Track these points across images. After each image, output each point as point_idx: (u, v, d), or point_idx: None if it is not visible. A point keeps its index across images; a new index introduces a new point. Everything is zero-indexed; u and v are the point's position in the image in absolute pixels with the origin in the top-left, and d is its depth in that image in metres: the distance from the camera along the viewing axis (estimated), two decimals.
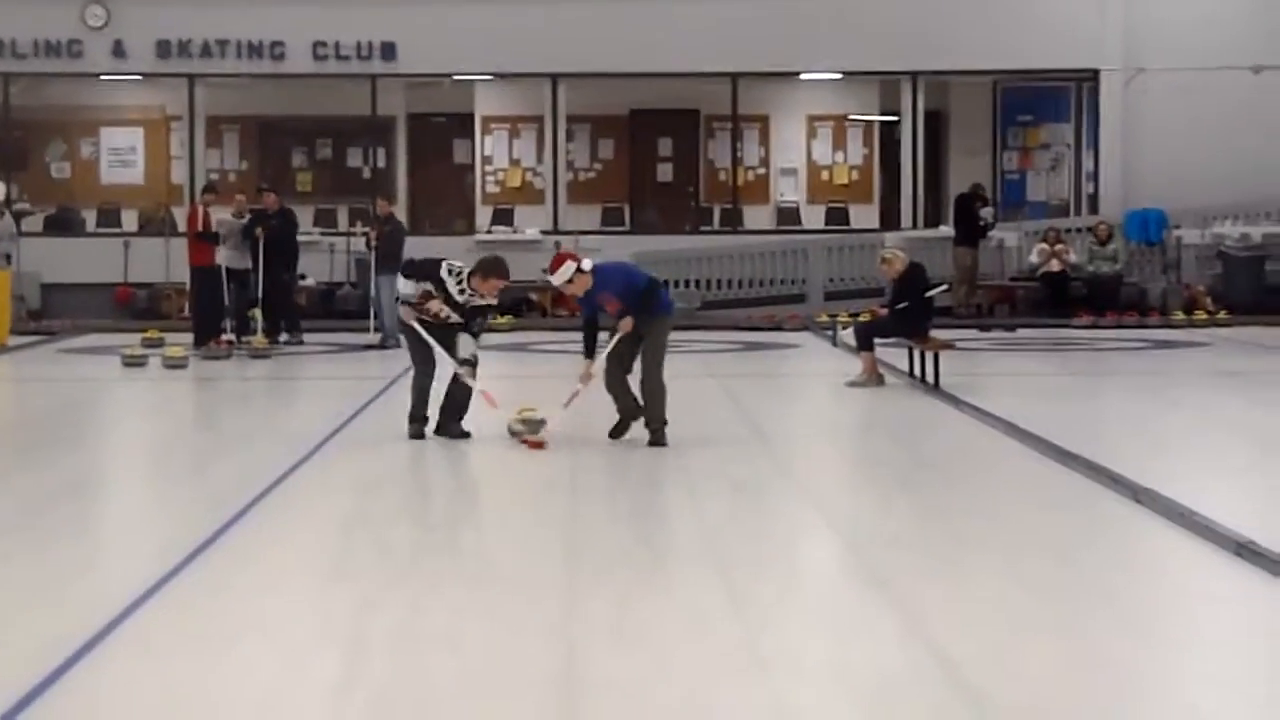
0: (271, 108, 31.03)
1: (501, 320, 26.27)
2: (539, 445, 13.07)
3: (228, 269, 23.03)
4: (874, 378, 17.88)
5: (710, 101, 30.95)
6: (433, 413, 13.89)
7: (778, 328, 26.85)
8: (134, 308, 28.39)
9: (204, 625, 7.81)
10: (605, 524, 10.48)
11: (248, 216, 23.65)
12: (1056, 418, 15.11)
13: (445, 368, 13.81)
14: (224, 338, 22.65)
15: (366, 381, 18.24)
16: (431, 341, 13.71)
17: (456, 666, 7.10)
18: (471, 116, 31.31)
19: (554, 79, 29.96)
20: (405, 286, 13.75)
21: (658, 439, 13.28)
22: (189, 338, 22.55)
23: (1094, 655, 7.34)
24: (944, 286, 21.11)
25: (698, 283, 28.78)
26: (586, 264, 13.49)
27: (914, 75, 30.01)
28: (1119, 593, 8.59)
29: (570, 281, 13.42)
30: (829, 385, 18.29)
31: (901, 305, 18.00)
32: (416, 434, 13.76)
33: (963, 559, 9.34)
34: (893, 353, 18.58)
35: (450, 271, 13.56)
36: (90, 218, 30.74)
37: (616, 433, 13.53)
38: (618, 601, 8.24)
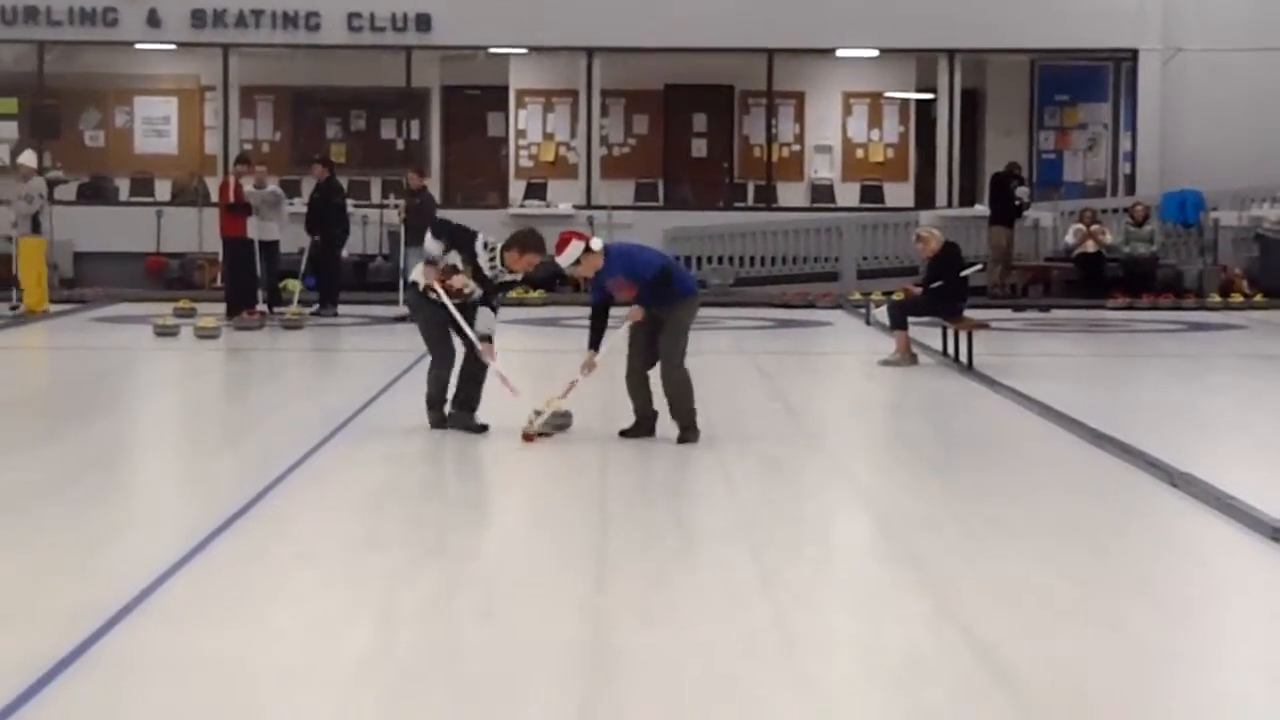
0: (306, 79, 31.03)
1: (534, 294, 26.25)
2: (531, 438, 12.14)
3: (260, 241, 23.03)
4: (907, 357, 17.81)
5: (745, 77, 30.86)
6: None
7: (811, 305, 26.79)
8: (166, 277, 28.44)
9: (235, 595, 7.80)
10: (636, 502, 10.44)
11: (269, 187, 23.63)
12: (1091, 400, 15.03)
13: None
14: (257, 308, 22.66)
15: (397, 354, 18.21)
16: (455, 314, 12.54)
17: (486, 639, 7.08)
18: (506, 89, 31.25)
19: (589, 53, 29.90)
20: (433, 246, 12.51)
21: (686, 435, 12.18)
22: (221, 308, 22.56)
23: (1127, 639, 7.29)
24: (979, 266, 21.02)
25: (731, 259, 28.72)
26: (596, 243, 12.36)
27: (950, 53, 29.89)
28: (1153, 576, 8.53)
29: (578, 263, 12.27)
30: (862, 364, 18.22)
31: (936, 284, 17.92)
32: (438, 421, 12.68)
33: (995, 541, 9.28)
34: (926, 332, 18.51)
35: (485, 245, 12.46)
36: (124, 187, 30.78)
37: (630, 433, 12.43)
38: (648, 578, 8.21)
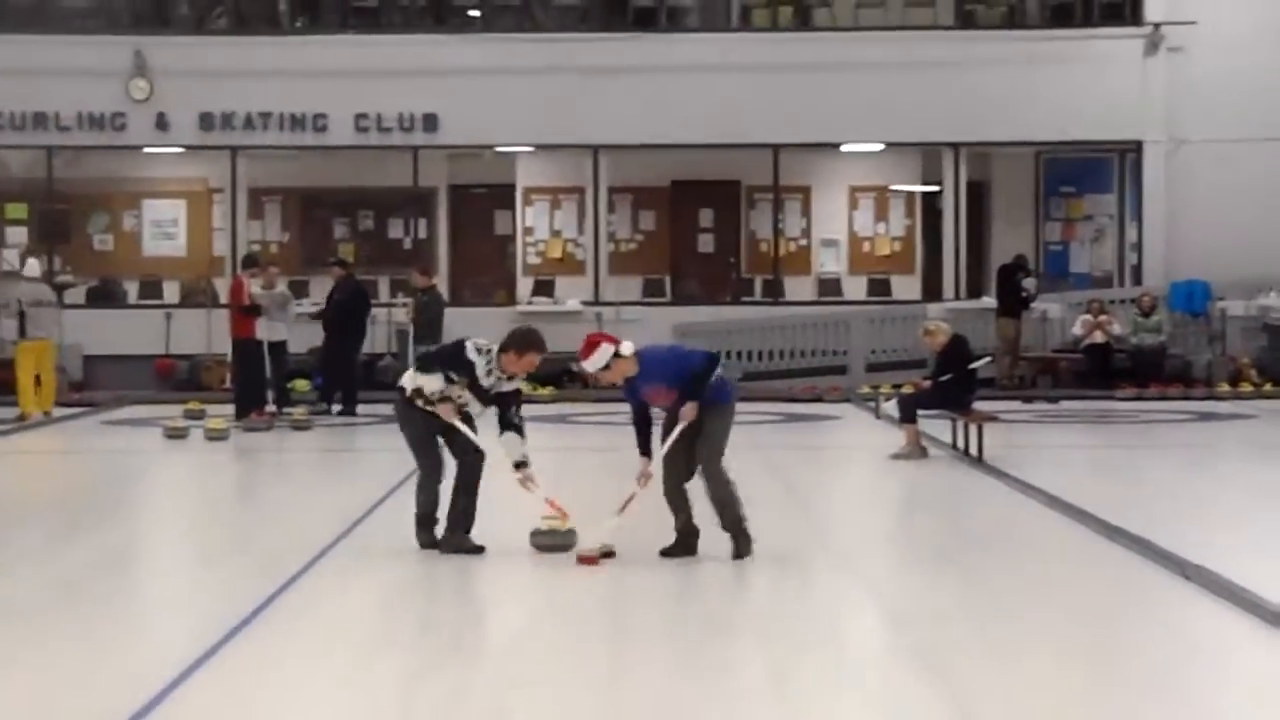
0: (313, 179, 31.15)
1: (542, 391, 26.26)
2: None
3: (268, 342, 23.08)
4: (917, 450, 17.80)
5: (751, 172, 30.96)
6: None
7: (819, 399, 26.79)
8: (175, 379, 28.47)
9: (247, 701, 7.77)
10: (646, 598, 10.39)
11: (278, 288, 23.73)
12: (1101, 491, 15.01)
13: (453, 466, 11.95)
14: (266, 409, 22.68)
15: (406, 454, 18.18)
16: (458, 422, 11.70)
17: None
18: (513, 187, 31.37)
19: (595, 150, 30.03)
20: (433, 383, 11.59)
21: (741, 548, 11.33)
22: (230, 409, 22.58)
23: None
24: (987, 358, 21.04)
25: (739, 354, 28.72)
26: (627, 347, 11.31)
27: (956, 146, 29.99)
28: (1167, 669, 8.50)
29: (607, 368, 11.27)
30: (872, 457, 18.20)
31: (945, 377, 17.93)
32: (428, 542, 11.72)
33: (1009, 635, 9.25)
34: (936, 425, 18.49)
35: (479, 350, 11.59)
36: (132, 289, 30.86)
37: (672, 552, 11.43)
38: (661, 677, 8.17)
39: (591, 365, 11.31)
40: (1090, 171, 31.32)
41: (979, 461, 17.13)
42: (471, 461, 11.78)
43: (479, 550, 11.64)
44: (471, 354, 11.53)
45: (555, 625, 9.60)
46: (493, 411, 11.77)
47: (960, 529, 13.77)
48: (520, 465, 11.65)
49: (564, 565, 11.30)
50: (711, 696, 7.77)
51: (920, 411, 18.00)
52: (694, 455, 11.35)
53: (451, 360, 11.59)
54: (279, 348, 23.38)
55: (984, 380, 20.66)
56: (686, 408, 11.19)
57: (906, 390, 19.99)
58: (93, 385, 28.16)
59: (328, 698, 7.88)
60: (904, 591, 10.76)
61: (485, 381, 11.55)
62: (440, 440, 11.81)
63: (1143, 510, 13.74)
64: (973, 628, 9.45)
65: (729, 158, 30.49)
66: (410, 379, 11.81)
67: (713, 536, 11.35)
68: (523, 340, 11.63)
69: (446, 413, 11.56)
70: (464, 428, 11.71)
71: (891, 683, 8.20)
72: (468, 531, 11.72)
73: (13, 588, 10.96)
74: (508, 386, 11.66)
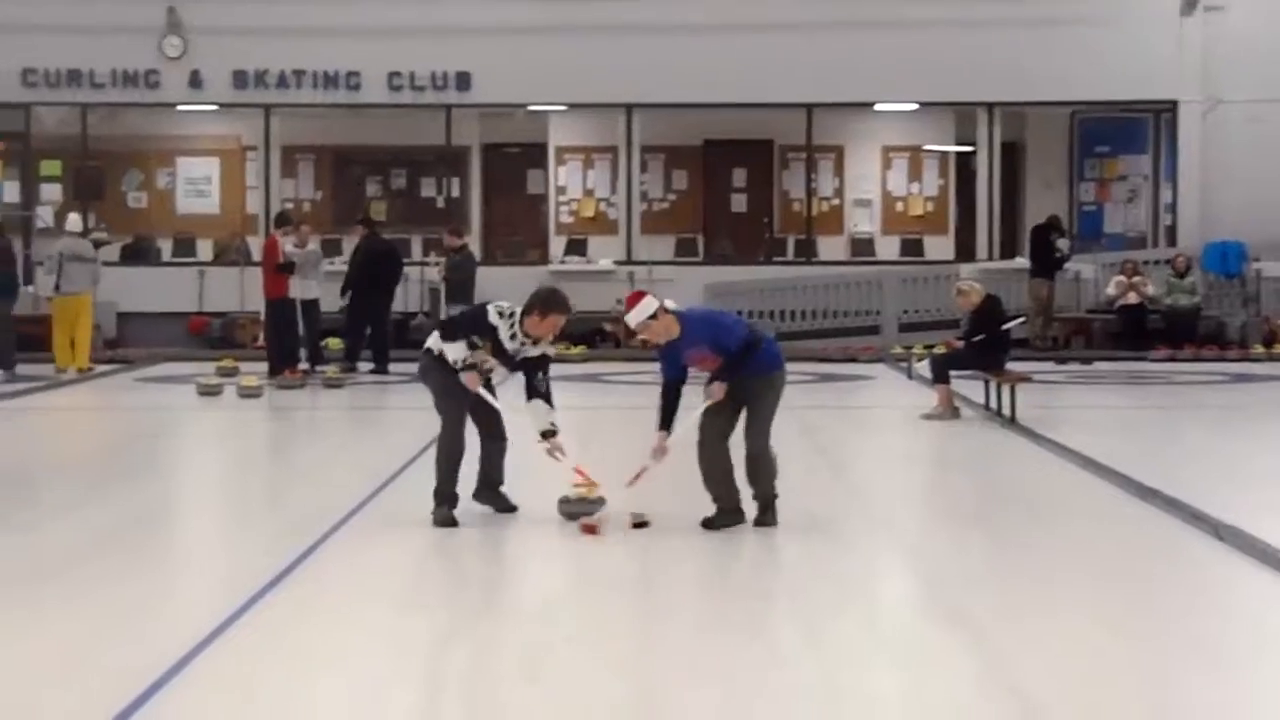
0: (346, 138, 31.16)
1: (574, 350, 26.27)
2: (592, 529, 10.81)
3: (300, 300, 23.13)
4: (949, 411, 17.77)
5: (785, 132, 30.90)
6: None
7: (852, 359, 26.76)
8: (208, 337, 28.54)
9: (280, 657, 7.80)
10: (679, 558, 10.39)
11: (311, 246, 23.78)
12: (1135, 452, 14.98)
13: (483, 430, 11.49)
14: (299, 367, 22.75)
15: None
16: (490, 399, 11.27)
17: (533, 699, 7.06)
18: (545, 147, 31.35)
19: (628, 109, 29.99)
20: (456, 351, 11.11)
21: (765, 518, 10.98)
22: (263, 367, 22.64)
23: (1170, 693, 7.26)
24: (1020, 319, 20.98)
25: (771, 314, 28.70)
26: (670, 303, 10.88)
27: (990, 106, 29.91)
28: (1200, 631, 8.48)
29: (652, 319, 10.74)
30: (904, 418, 18.18)
31: (978, 338, 17.90)
32: (445, 519, 11.17)
33: (1041, 596, 9.24)
34: (968, 385, 18.46)
35: (501, 314, 11.08)
36: (166, 247, 30.96)
37: (713, 524, 10.95)
38: (693, 636, 8.18)
39: (635, 317, 10.81)
40: (1125, 132, 31.19)
41: (1011, 422, 17.10)
42: (492, 448, 11.48)
43: (512, 509, 11.44)
44: (494, 317, 11.04)
45: (586, 588, 9.60)
46: (519, 378, 11.34)
47: (993, 490, 13.76)
48: (547, 434, 11.16)
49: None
50: (743, 657, 7.77)
51: (953, 372, 17.97)
52: (729, 427, 10.92)
53: (474, 324, 11.12)
54: (312, 306, 23.47)
55: (1017, 341, 20.62)
56: (714, 387, 10.77)
57: (939, 350, 19.94)
58: (126, 342, 28.26)
59: (360, 654, 7.90)
60: (936, 552, 10.75)
61: (509, 346, 11.05)
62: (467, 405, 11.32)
63: (1176, 471, 13.70)
64: (1005, 589, 9.44)
65: (762, 117, 30.43)
66: (435, 342, 11.36)
67: (749, 506, 11.26)
68: (546, 301, 11.10)
69: (471, 381, 11.05)
70: (489, 397, 11.25)
71: (924, 644, 8.20)
72: (497, 489, 11.51)
73: (46, 543, 11.02)
74: (533, 351, 11.14)
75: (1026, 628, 8.40)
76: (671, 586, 9.45)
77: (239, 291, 28.22)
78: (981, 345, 17.84)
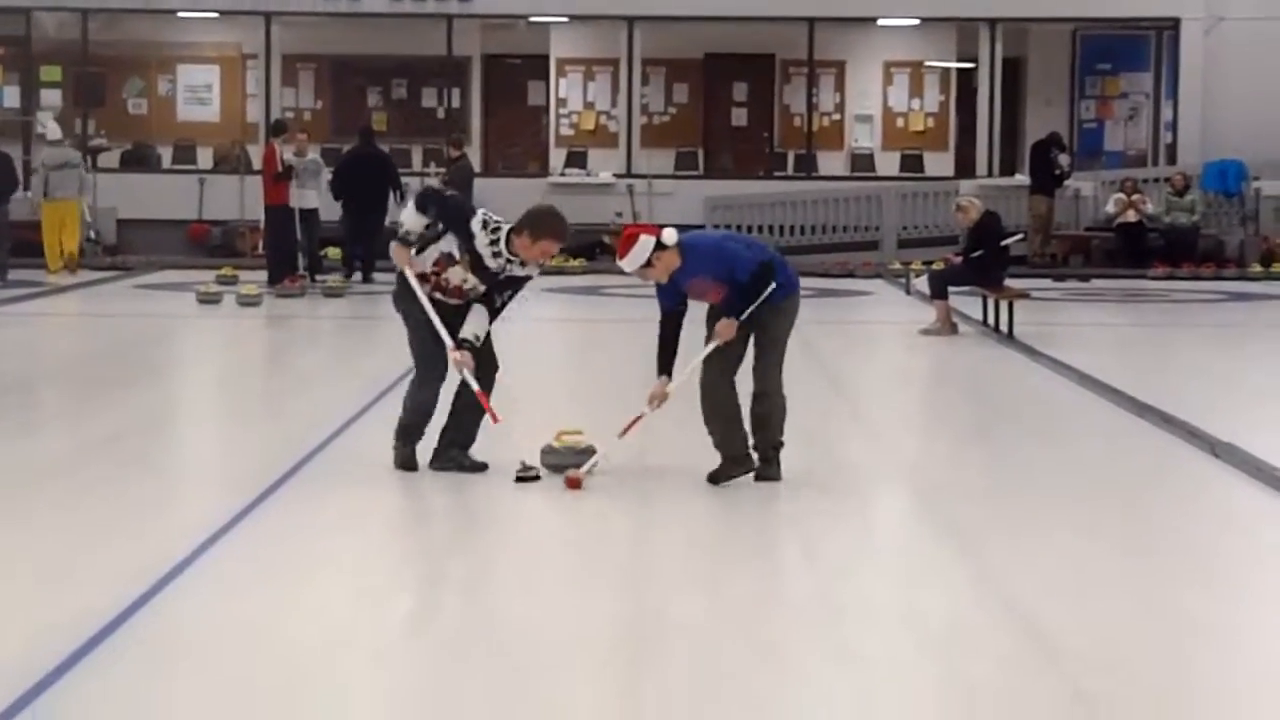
0: (347, 47, 31.01)
1: (574, 263, 26.25)
2: (576, 484, 9.41)
3: (300, 209, 23.13)
4: (947, 326, 17.80)
5: (786, 46, 30.78)
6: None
7: (850, 274, 26.76)
8: (208, 245, 28.52)
9: (279, 562, 7.86)
10: (674, 472, 10.42)
11: (309, 155, 23.73)
12: (1132, 370, 15.03)
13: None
14: (298, 275, 22.77)
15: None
16: (435, 318, 9.60)
17: (527, 609, 7.11)
18: (546, 58, 31.24)
19: (630, 21, 29.84)
20: (411, 219, 9.65)
21: (769, 471, 9.63)
22: (263, 275, 22.65)
23: (1165, 606, 7.32)
24: (1019, 235, 20.97)
25: (771, 229, 28.66)
26: (669, 235, 9.38)
27: (992, 22, 29.76)
28: (1194, 545, 8.55)
29: (649, 264, 9.33)
30: (902, 333, 18.22)
31: (976, 254, 17.90)
32: (406, 460, 9.79)
33: (1037, 511, 9.29)
34: (967, 301, 18.49)
35: (485, 224, 9.51)
36: (166, 154, 30.87)
37: (718, 476, 9.61)
38: (689, 549, 8.23)
39: (630, 263, 9.33)
40: (1126, 49, 31.07)
41: (1009, 338, 17.14)
42: (464, 404, 9.80)
43: (481, 467, 9.76)
44: (475, 225, 9.51)
45: (583, 498, 9.55)
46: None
47: (990, 405, 13.81)
48: (463, 344, 9.55)
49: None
50: (741, 572, 7.82)
51: (951, 288, 17.98)
52: (737, 362, 9.59)
53: (453, 214, 9.63)
54: (311, 214, 23.45)
55: (1015, 257, 20.61)
56: (722, 324, 9.36)
57: (938, 266, 19.95)
58: (126, 249, 28.22)
59: (358, 560, 7.96)
60: (933, 467, 10.80)
61: (491, 264, 9.52)
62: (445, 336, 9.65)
63: (1172, 388, 13.75)
64: (1001, 503, 9.50)
65: (764, 31, 30.30)
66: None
67: (746, 421, 9.80)
68: (538, 223, 9.50)
69: (399, 256, 9.63)
70: (435, 320, 9.62)
71: (920, 557, 8.27)
72: (467, 448, 9.82)
73: (46, 447, 11.08)
74: (519, 272, 9.63)
75: (1022, 542, 8.45)
76: (665, 499, 9.41)
77: (239, 200, 28.16)
78: (980, 261, 17.84)
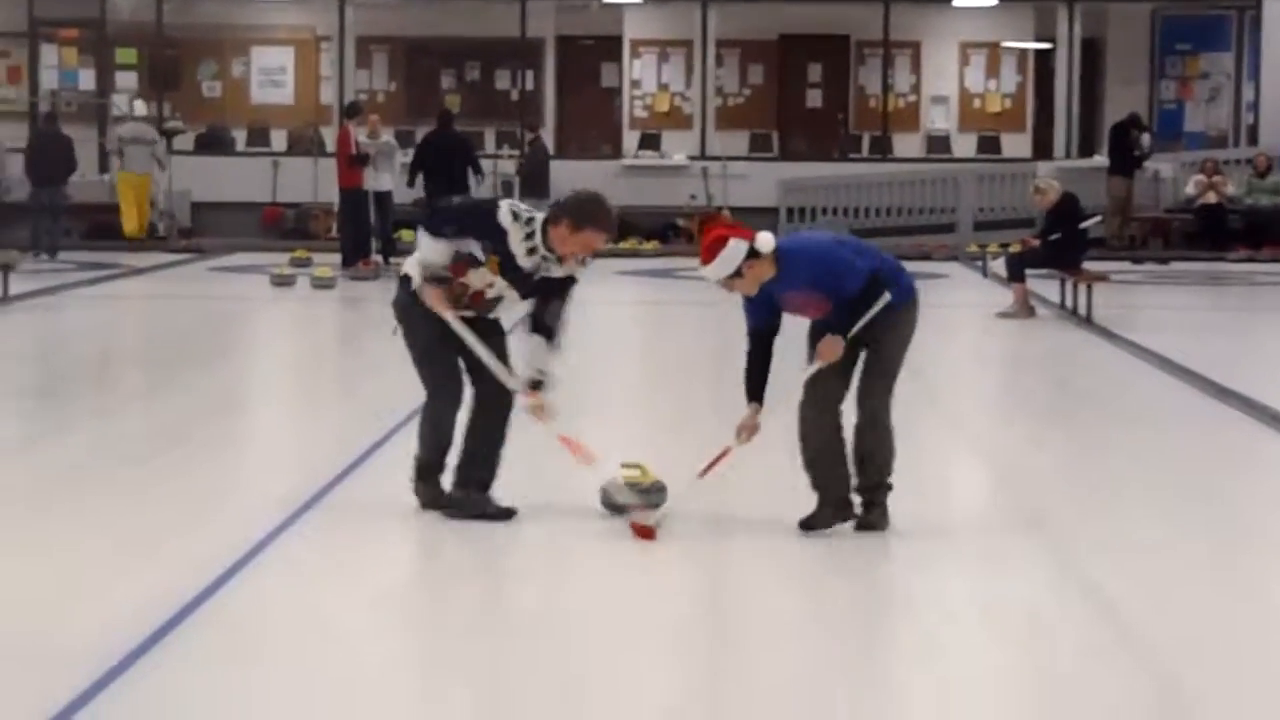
0: (421, 29, 31.03)
1: (647, 245, 26.14)
2: (648, 534, 7.82)
3: (374, 191, 23.14)
4: (1025, 310, 17.65)
5: (861, 27, 30.61)
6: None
7: (926, 257, 26.58)
8: (282, 227, 28.57)
9: (350, 546, 7.80)
10: (748, 455, 10.30)
11: (383, 138, 23.73)
12: (1212, 353, 14.84)
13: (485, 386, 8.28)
14: (371, 258, 22.79)
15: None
16: (465, 333, 8.07)
17: (604, 589, 7.05)
18: (620, 40, 31.17)
19: (704, 3, 29.74)
20: (434, 252, 8.02)
21: (872, 518, 8.03)
22: (336, 258, 22.67)
23: (1248, 595, 7.22)
24: (1098, 218, 20.75)
25: (845, 211, 28.50)
26: (766, 241, 7.73)
27: (1070, 2, 29.50)
28: (1277, 533, 8.41)
29: (737, 275, 7.72)
30: (979, 317, 18.07)
31: (1054, 236, 17.74)
32: (430, 499, 8.25)
33: (1116, 497, 9.18)
34: (1044, 284, 18.32)
35: (516, 216, 7.92)
36: (240, 137, 30.97)
37: (815, 522, 8.01)
38: (765, 537, 8.10)
39: (715, 272, 7.74)
40: (1207, 29, 30.76)
41: (1087, 321, 16.98)
42: (495, 396, 8.26)
43: (507, 514, 8.17)
44: (504, 218, 7.90)
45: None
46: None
47: (1068, 389, 13.67)
48: (534, 385, 8.07)
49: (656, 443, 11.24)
50: (819, 560, 7.73)
51: (1029, 271, 17.82)
52: (843, 387, 8.04)
53: (475, 221, 8.02)
54: (385, 197, 23.45)
55: (1094, 240, 20.42)
56: (825, 343, 7.80)
57: (1015, 249, 19.77)
58: (200, 232, 28.32)
59: (431, 547, 7.91)
60: (1010, 451, 10.69)
61: (524, 262, 7.94)
62: (460, 356, 8.23)
63: (1253, 372, 13.60)
64: (1079, 488, 9.38)
65: (838, 12, 30.15)
66: (415, 260, 8.26)
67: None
68: (580, 210, 7.90)
69: (435, 300, 8.00)
70: (474, 341, 8.10)
71: (996, 540, 8.15)
72: (486, 488, 8.25)
73: (122, 429, 11.11)
74: (557, 271, 8.02)
75: (1101, 529, 8.34)
76: (737, 483, 9.04)
77: (313, 182, 28.18)
78: (1058, 244, 17.68)
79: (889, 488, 8.04)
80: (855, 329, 7.79)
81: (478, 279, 7.98)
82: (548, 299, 8.03)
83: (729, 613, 6.91)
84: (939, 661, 6.31)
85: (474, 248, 7.92)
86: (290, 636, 6.47)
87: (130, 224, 25.92)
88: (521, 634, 6.52)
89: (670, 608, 6.90)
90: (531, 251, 7.89)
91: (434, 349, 8.14)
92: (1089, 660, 6.25)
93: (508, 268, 7.93)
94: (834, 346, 7.78)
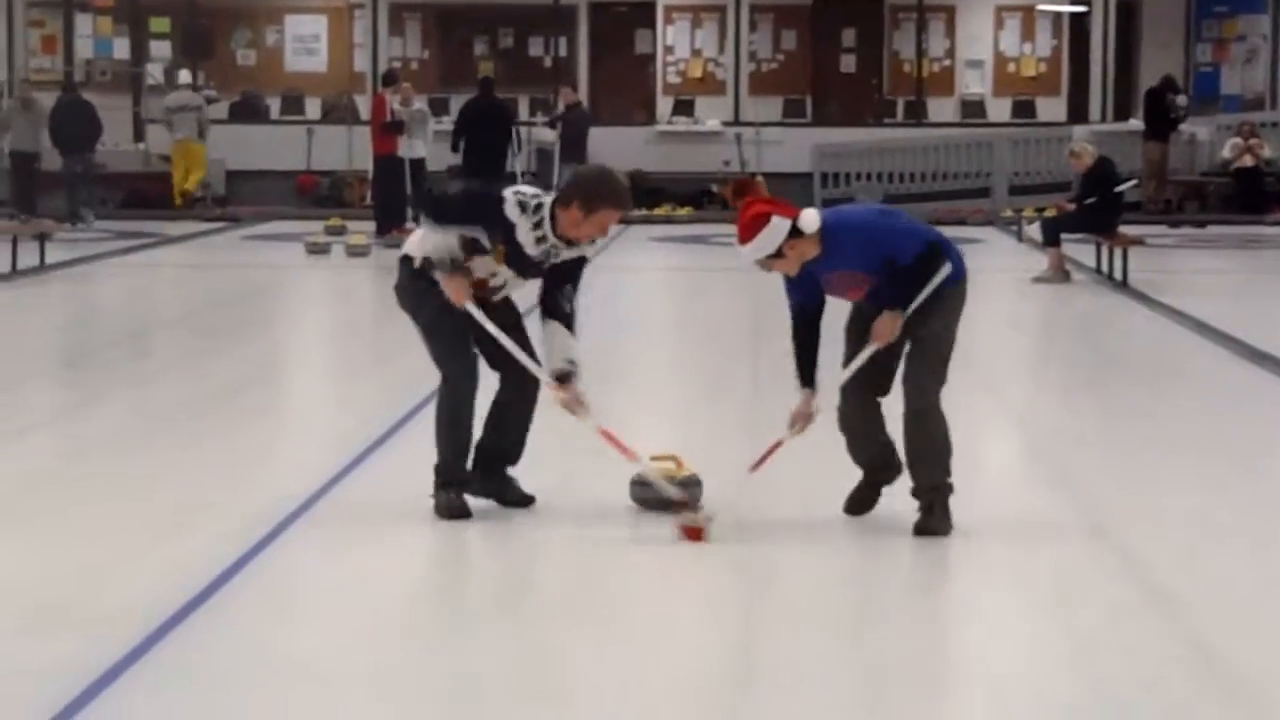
0: None
1: (681, 211, 26.12)
2: (697, 534, 7.24)
3: (408, 159, 23.15)
4: (1060, 274, 17.61)
5: None
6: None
7: (961, 221, 26.50)
8: (316, 195, 28.61)
9: (385, 514, 7.81)
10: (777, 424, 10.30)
11: (415, 105, 23.71)
12: (1248, 317, 14.79)
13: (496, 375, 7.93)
14: (406, 226, 22.80)
15: None
16: (486, 322, 7.59)
17: (637, 563, 7.07)
18: (654, 6, 31.11)
19: None
20: (443, 243, 7.49)
21: (933, 521, 7.34)
22: (371, 226, 22.70)
23: None
24: (1134, 182, 20.71)
25: (880, 176, 28.45)
26: (810, 219, 7.11)
27: None
28: None
29: (779, 255, 7.10)
30: (1014, 281, 18.02)
31: (1090, 200, 17.70)
32: (454, 509, 7.62)
33: (1151, 460, 9.17)
34: (1080, 248, 18.27)
35: (524, 206, 7.44)
36: (274, 105, 31.00)
37: (858, 506, 7.60)
38: (795, 502, 8.08)
39: (755, 251, 7.11)
40: None
41: (1123, 285, 16.94)
42: (518, 382, 7.86)
43: (527, 501, 7.85)
44: (512, 210, 7.43)
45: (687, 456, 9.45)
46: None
47: (1103, 353, 13.64)
48: (564, 377, 7.61)
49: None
50: (846, 521, 7.72)
51: (1064, 235, 17.78)
52: (888, 374, 7.43)
53: (481, 213, 7.52)
54: (419, 165, 23.45)
55: (1130, 204, 20.37)
56: (882, 322, 7.18)
57: (1050, 213, 19.72)
58: (235, 200, 28.38)
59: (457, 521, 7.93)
60: (1045, 415, 10.69)
61: (533, 252, 7.51)
62: (471, 334, 7.70)
63: None
64: (1114, 452, 9.37)
65: None
66: (417, 241, 7.70)
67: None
68: (591, 189, 7.44)
69: (456, 291, 7.48)
70: (493, 328, 7.63)
71: (1029, 504, 8.15)
72: (507, 467, 7.88)
73: (160, 396, 11.16)
74: (565, 254, 7.58)
75: (1134, 491, 8.34)
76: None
77: (347, 150, 28.23)
78: (1094, 208, 17.63)
79: (949, 488, 7.37)
80: (917, 301, 7.15)
81: (481, 267, 7.54)
82: (556, 283, 7.61)
83: (766, 599, 6.92)
84: (971, 623, 6.32)
85: (479, 234, 7.47)
86: (326, 601, 6.51)
87: (177, 194, 26.48)
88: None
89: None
90: (540, 240, 7.46)
91: (442, 321, 7.60)
92: (1121, 624, 6.25)
93: (514, 258, 7.50)
94: (893, 323, 7.16)
